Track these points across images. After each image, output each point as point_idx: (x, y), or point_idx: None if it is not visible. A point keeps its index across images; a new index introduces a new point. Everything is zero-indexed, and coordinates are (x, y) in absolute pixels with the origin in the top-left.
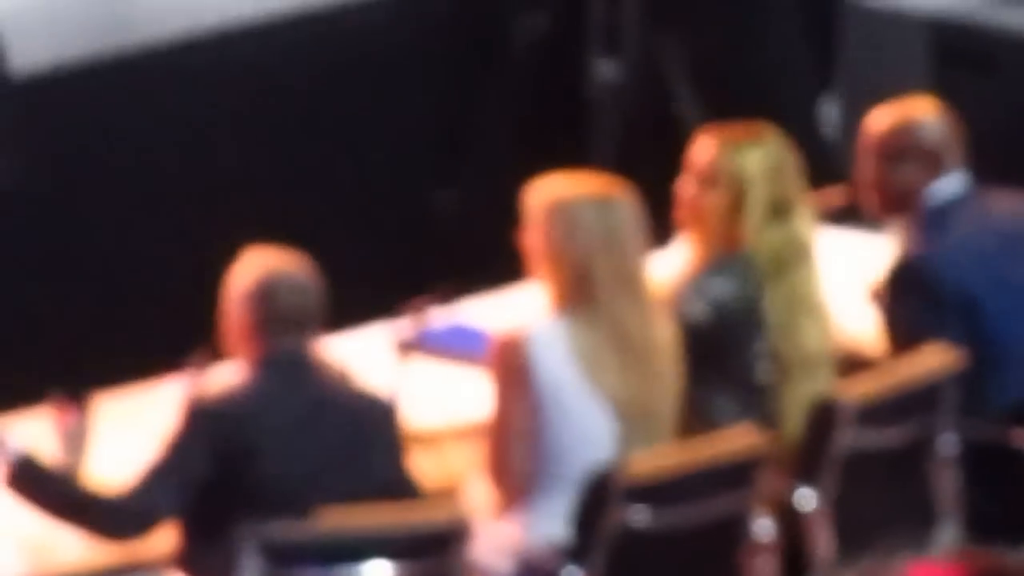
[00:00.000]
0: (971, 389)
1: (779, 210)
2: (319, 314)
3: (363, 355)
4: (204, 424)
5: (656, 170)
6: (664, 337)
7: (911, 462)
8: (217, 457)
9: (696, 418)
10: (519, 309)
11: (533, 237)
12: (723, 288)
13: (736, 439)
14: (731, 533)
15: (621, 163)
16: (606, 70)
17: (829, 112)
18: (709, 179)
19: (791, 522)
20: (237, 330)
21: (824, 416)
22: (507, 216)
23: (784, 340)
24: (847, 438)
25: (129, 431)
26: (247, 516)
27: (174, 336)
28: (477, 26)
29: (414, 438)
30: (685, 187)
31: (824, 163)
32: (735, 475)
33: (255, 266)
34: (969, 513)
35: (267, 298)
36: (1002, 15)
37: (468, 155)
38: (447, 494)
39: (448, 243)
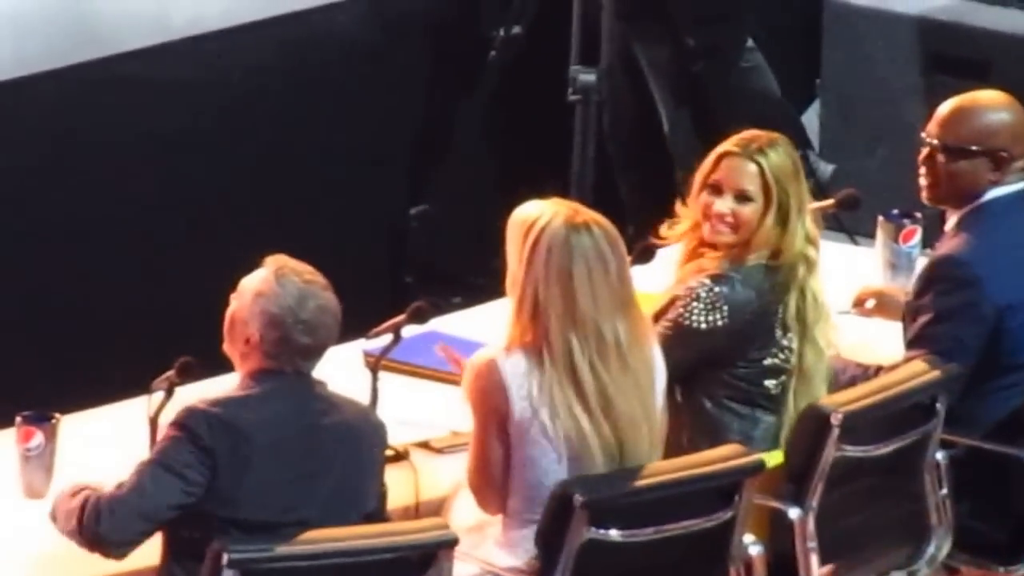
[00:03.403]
0: (973, 400)
1: (801, 216)
2: (333, 341)
3: (337, 372)
4: (199, 425)
5: (638, 177)
6: (640, 370)
7: (901, 474)
8: (212, 459)
9: (703, 428)
10: (493, 325)
11: (510, 260)
12: (740, 292)
13: (718, 459)
14: (711, 551)
15: (601, 174)
16: (584, 79)
17: (812, 118)
18: (743, 191)
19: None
20: (247, 345)
21: (815, 425)
22: (483, 231)
23: (802, 347)
24: (835, 448)
25: (94, 452)
26: (231, 530)
27: (140, 356)
28: (454, 38)
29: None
30: (710, 202)
31: (810, 168)
32: (714, 495)
33: (277, 288)
34: (962, 528)
35: (283, 329)
36: (991, 16)
37: (443, 170)
38: (432, 511)
39: (424, 259)
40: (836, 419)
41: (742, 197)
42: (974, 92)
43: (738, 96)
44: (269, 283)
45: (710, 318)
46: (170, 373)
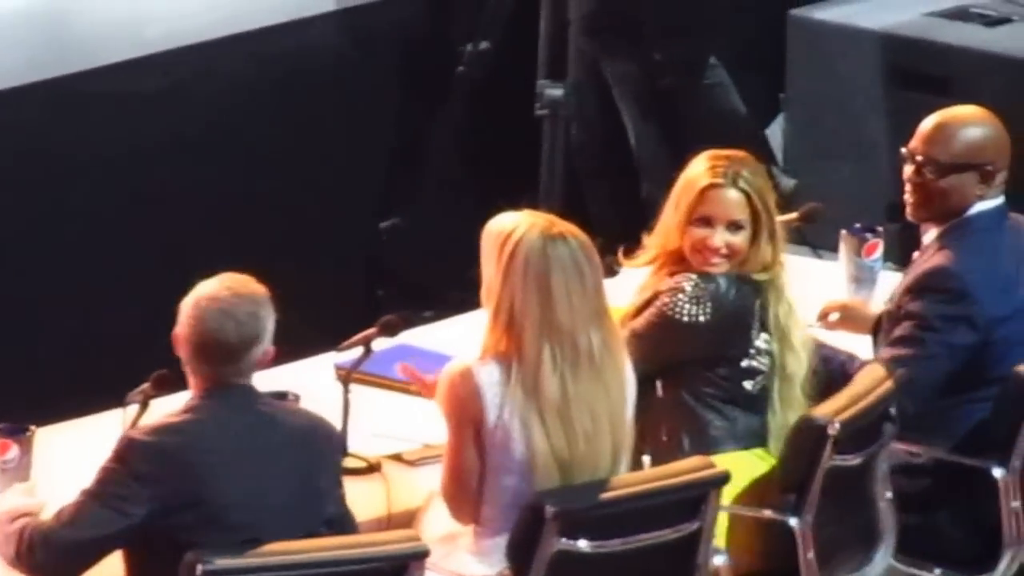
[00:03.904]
0: (950, 409)
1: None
2: (253, 337)
3: (309, 385)
4: (137, 457)
5: (605, 191)
6: (611, 380)
7: (864, 482)
8: (153, 492)
9: (685, 424)
10: (465, 338)
11: (486, 271)
12: (724, 292)
13: (685, 471)
14: (678, 561)
15: (570, 188)
16: (552, 94)
17: (775, 132)
18: (735, 221)
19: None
20: (183, 356)
21: (812, 435)
22: (453, 245)
23: (783, 352)
24: (829, 458)
25: (70, 465)
26: (194, 546)
27: (116, 368)
28: (424, 52)
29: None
30: (703, 236)
31: (773, 182)
32: (681, 507)
33: (195, 294)
34: (938, 537)
35: (195, 330)
36: (954, 32)
37: (413, 183)
38: (405, 523)
39: (395, 272)
40: (833, 429)
41: (734, 227)
42: (954, 108)
43: (703, 111)
44: (192, 294)
45: (694, 311)
46: (145, 386)
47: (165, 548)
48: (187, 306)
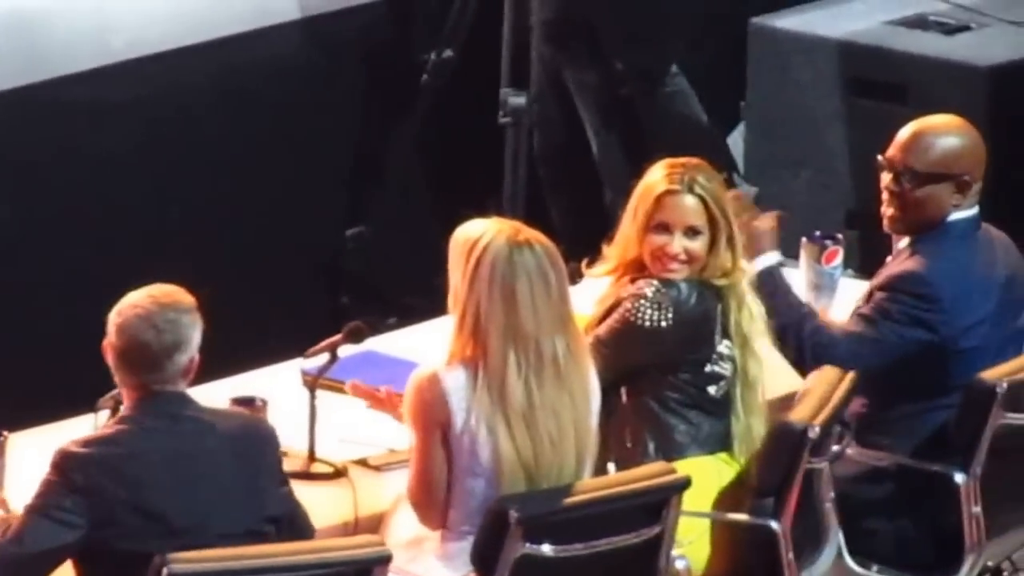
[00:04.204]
0: (911, 414)
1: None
2: (182, 343)
3: (276, 391)
4: (72, 469)
5: (567, 199)
6: (576, 387)
7: (815, 483)
8: (91, 502)
9: (649, 429)
10: (429, 345)
11: (453, 277)
12: (686, 297)
13: (646, 476)
14: (639, 565)
15: (533, 196)
16: (515, 102)
17: (737, 140)
18: (692, 226)
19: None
20: (112, 367)
21: (791, 440)
22: (417, 253)
23: (744, 358)
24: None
25: (42, 470)
26: (139, 554)
27: (87, 374)
28: (387, 61)
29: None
30: (662, 243)
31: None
32: (643, 512)
33: (121, 304)
34: (898, 541)
35: (118, 338)
36: (911, 40)
37: (378, 192)
38: (371, 528)
39: (360, 279)
40: (813, 433)
41: (691, 232)
42: (931, 117)
43: (665, 119)
44: (118, 304)
45: (656, 316)
46: (115, 392)
47: (110, 558)
48: (111, 315)
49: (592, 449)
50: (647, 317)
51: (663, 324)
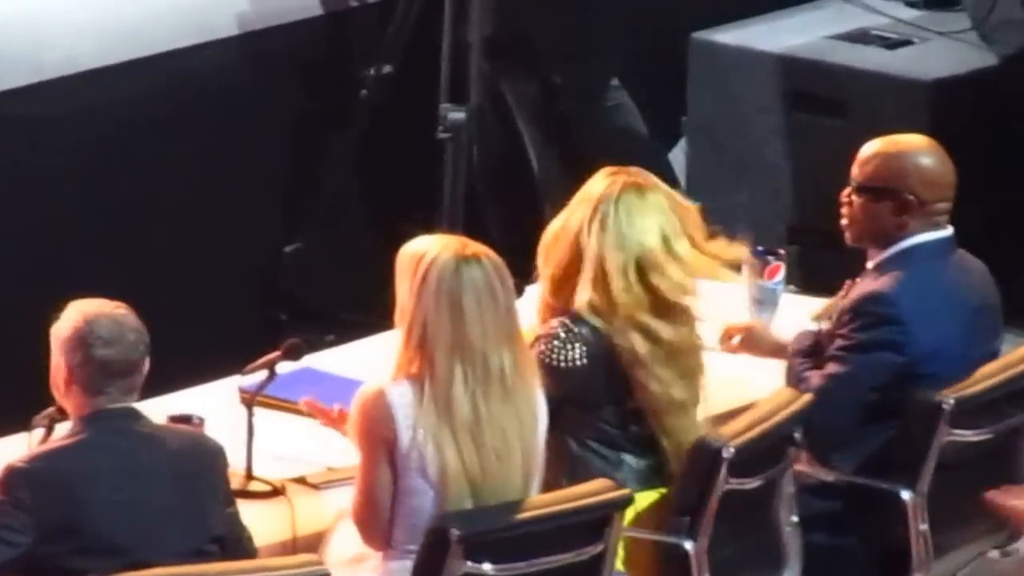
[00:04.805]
0: (867, 434)
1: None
2: (140, 363)
3: (213, 408)
4: (17, 484)
5: (507, 214)
6: (522, 402)
7: (763, 505)
8: (36, 519)
9: (566, 467)
10: (367, 362)
11: (400, 292)
12: (594, 337)
13: (588, 493)
14: None
15: (471, 211)
16: (454, 117)
17: (678, 155)
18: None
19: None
20: (61, 382)
21: (706, 458)
22: (355, 269)
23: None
24: (725, 481)
25: None
26: (81, 572)
27: (20, 392)
28: (325, 76)
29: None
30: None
31: None
32: (585, 529)
33: (72, 316)
34: (847, 560)
35: (83, 349)
36: (851, 54)
37: (315, 208)
38: (310, 547)
39: (297, 296)
40: (728, 453)
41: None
42: (900, 135)
43: (605, 134)
44: (62, 318)
45: (570, 355)
46: (51, 410)
47: (53, 575)
48: (70, 329)
49: (539, 466)
50: (561, 358)
51: (578, 363)
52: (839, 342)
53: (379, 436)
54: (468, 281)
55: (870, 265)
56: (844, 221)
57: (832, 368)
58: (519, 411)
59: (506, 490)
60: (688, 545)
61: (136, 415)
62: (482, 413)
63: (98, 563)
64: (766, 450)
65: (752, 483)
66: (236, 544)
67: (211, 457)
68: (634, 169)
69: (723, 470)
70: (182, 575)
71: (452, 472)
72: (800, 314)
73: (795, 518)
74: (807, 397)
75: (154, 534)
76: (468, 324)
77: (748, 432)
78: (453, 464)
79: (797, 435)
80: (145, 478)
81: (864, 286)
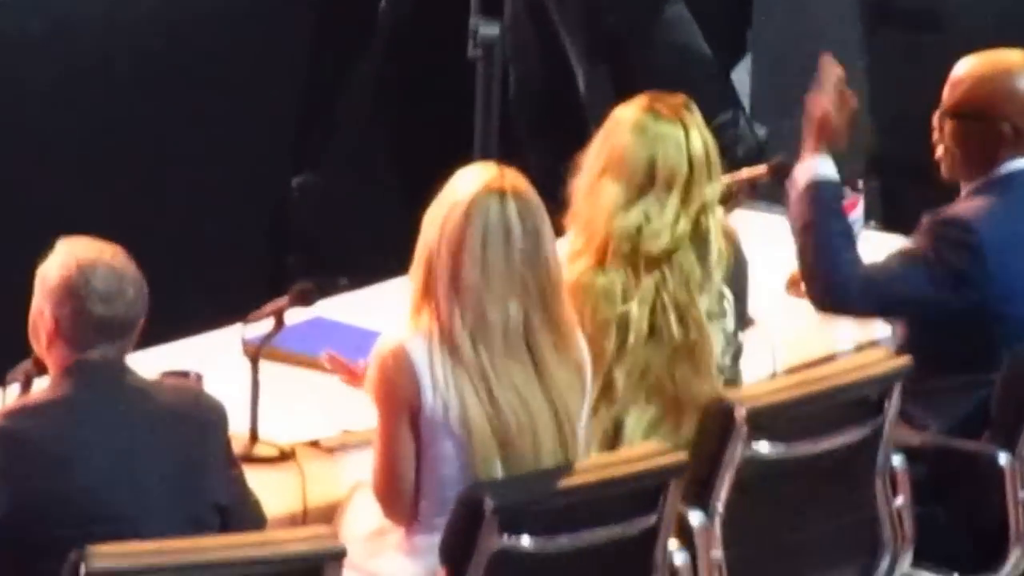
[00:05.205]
0: (954, 391)
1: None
2: (138, 321)
3: (213, 363)
4: None
5: (549, 144)
6: (543, 362)
7: (842, 481)
8: (9, 484)
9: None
10: (387, 310)
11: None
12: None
13: (640, 457)
14: (632, 560)
15: (507, 143)
16: (487, 33)
17: (742, 76)
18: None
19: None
20: (44, 334)
21: (719, 421)
22: (373, 204)
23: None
24: (744, 447)
25: None
26: (64, 541)
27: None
28: None
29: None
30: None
31: (738, 134)
32: (637, 499)
33: (63, 262)
34: (933, 533)
35: (74, 301)
36: None
37: (329, 135)
38: (323, 518)
39: (307, 235)
40: (740, 414)
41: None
42: (999, 53)
43: (661, 51)
44: (54, 261)
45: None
46: (27, 363)
47: (33, 546)
48: (61, 276)
49: (578, 433)
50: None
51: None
52: (906, 246)
53: (401, 397)
54: (479, 214)
55: (963, 194)
56: (937, 151)
57: (892, 261)
58: (542, 373)
59: (538, 456)
60: (694, 517)
61: (125, 369)
62: (485, 363)
63: (80, 533)
64: (822, 415)
65: (801, 452)
66: (241, 511)
67: (209, 415)
68: (677, 99)
69: (738, 433)
70: (176, 549)
71: (476, 423)
72: (881, 253)
73: (901, 498)
74: (903, 360)
75: (144, 501)
76: (465, 261)
77: (781, 393)
78: (475, 413)
79: (889, 402)
80: (134, 439)
81: (946, 211)
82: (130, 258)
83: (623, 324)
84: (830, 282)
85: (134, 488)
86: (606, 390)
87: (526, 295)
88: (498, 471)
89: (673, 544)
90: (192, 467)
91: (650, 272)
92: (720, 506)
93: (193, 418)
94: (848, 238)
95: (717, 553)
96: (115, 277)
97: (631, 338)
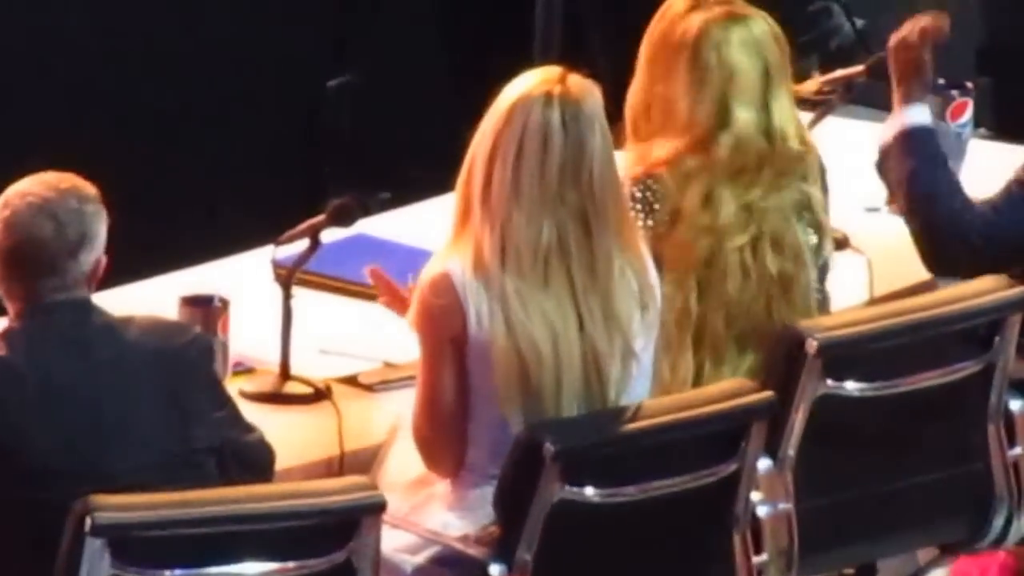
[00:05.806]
0: None
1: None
2: (91, 244)
3: (240, 287)
4: None
5: (614, 31)
6: (588, 303)
7: (945, 426)
8: None
9: None
10: (436, 228)
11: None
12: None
13: (721, 396)
14: (710, 512)
15: (571, 37)
16: None
17: None
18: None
19: None
20: None
21: (788, 352)
22: (420, 108)
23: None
24: (818, 383)
25: None
26: (36, 502)
27: None
28: None
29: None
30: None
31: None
32: (716, 443)
33: (11, 191)
34: None
35: (17, 230)
36: None
37: (369, 31)
38: (361, 464)
39: (345, 144)
40: (811, 347)
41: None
42: None
43: None
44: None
45: None
46: None
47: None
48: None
49: (634, 376)
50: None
51: None
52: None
53: (445, 331)
54: (516, 120)
55: None
56: None
57: (992, 197)
58: (577, 302)
59: (558, 400)
60: (762, 464)
61: (91, 308)
62: (508, 288)
63: (37, 490)
64: (917, 350)
65: (888, 392)
66: (238, 455)
67: (189, 351)
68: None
69: (810, 367)
70: (191, 502)
71: (497, 357)
72: (995, 166)
73: (1017, 449)
74: (1020, 289)
75: (123, 448)
76: (495, 174)
77: (864, 324)
78: (498, 346)
79: (1001, 338)
80: (106, 381)
81: None
82: (84, 181)
83: (715, 252)
84: (945, 237)
85: (109, 438)
86: (693, 331)
87: (564, 215)
88: (519, 413)
89: (756, 496)
90: (176, 411)
91: (749, 188)
92: (792, 451)
93: (173, 355)
94: (956, 186)
95: (785, 505)
96: (57, 199)
97: (724, 270)
